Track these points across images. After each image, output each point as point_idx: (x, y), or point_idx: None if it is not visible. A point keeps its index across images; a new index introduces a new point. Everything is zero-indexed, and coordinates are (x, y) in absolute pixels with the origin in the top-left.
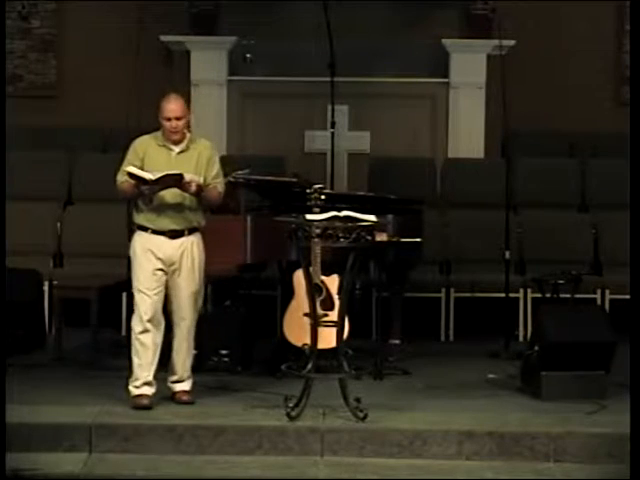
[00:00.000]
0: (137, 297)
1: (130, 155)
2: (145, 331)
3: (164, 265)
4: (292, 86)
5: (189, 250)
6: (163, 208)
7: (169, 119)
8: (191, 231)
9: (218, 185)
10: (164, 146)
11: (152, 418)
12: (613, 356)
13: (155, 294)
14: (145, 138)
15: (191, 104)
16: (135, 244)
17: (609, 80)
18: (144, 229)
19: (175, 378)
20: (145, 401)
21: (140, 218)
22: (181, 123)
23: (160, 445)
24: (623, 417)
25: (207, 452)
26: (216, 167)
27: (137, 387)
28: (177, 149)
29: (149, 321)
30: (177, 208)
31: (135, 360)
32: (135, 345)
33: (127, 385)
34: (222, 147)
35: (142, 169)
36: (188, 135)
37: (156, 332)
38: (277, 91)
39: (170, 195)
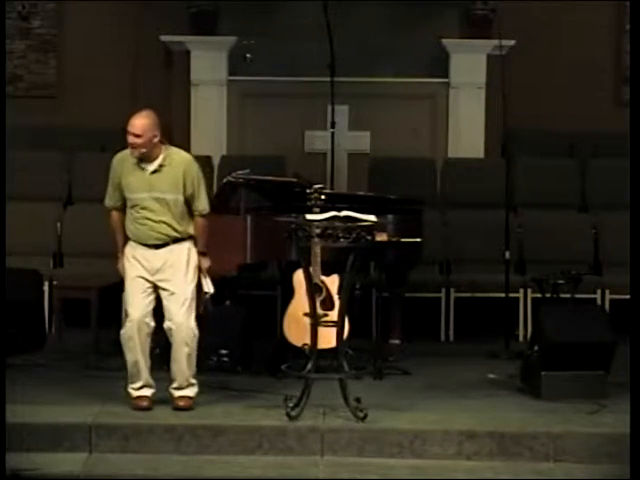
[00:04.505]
0: (125, 302)
1: (112, 179)
2: (134, 335)
3: (148, 273)
4: (292, 86)
5: (176, 257)
6: (146, 224)
7: (128, 133)
8: (176, 241)
9: (200, 208)
10: (137, 164)
11: (152, 418)
12: (613, 356)
13: (141, 298)
14: (121, 156)
15: (191, 104)
16: (126, 250)
17: (609, 80)
18: (131, 239)
19: (174, 385)
20: (144, 403)
21: (128, 230)
22: (139, 141)
23: (160, 445)
24: (623, 417)
25: (207, 452)
26: (194, 184)
27: (136, 389)
28: (150, 168)
29: (137, 325)
30: (160, 225)
31: (130, 363)
32: (127, 349)
33: (127, 386)
34: (222, 147)
35: (121, 190)
36: (163, 152)
37: (145, 335)
38: (277, 91)
39: (147, 217)
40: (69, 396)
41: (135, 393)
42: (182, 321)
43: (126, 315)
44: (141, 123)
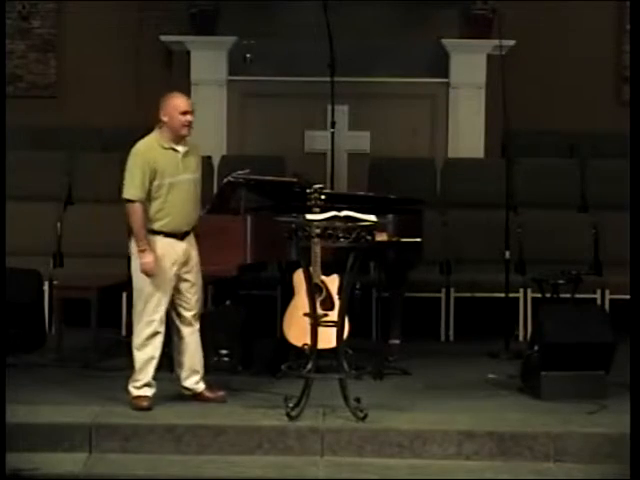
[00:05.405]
0: (147, 300)
1: (141, 167)
2: (156, 333)
3: (178, 267)
4: (292, 86)
5: (192, 247)
6: (176, 210)
7: (185, 112)
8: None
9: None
10: (170, 148)
11: (152, 418)
12: (613, 356)
13: (168, 298)
14: (147, 145)
15: None
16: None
17: (609, 80)
18: (157, 233)
19: (198, 378)
20: (145, 402)
21: (153, 222)
22: (193, 117)
23: (160, 445)
24: (623, 417)
25: (207, 452)
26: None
27: (137, 388)
28: (182, 149)
29: (161, 323)
30: (188, 211)
31: (143, 361)
32: (145, 347)
33: (127, 385)
34: (222, 147)
35: (154, 179)
36: None
37: (162, 333)
38: (277, 91)
39: (182, 200)
40: (69, 396)
41: (136, 392)
42: (199, 309)
43: (154, 312)
44: (189, 101)
